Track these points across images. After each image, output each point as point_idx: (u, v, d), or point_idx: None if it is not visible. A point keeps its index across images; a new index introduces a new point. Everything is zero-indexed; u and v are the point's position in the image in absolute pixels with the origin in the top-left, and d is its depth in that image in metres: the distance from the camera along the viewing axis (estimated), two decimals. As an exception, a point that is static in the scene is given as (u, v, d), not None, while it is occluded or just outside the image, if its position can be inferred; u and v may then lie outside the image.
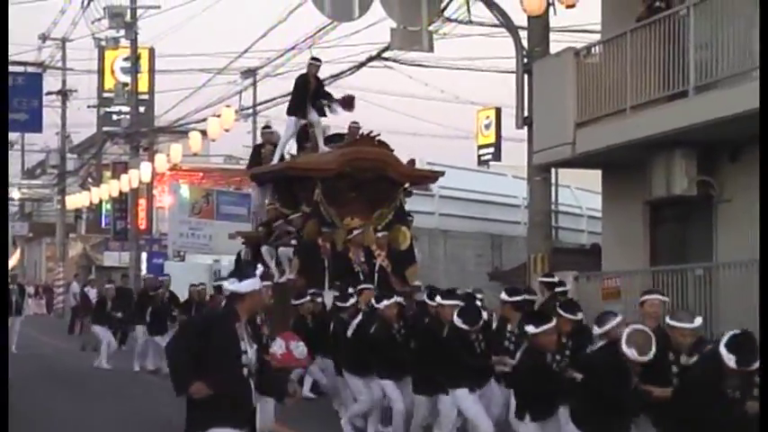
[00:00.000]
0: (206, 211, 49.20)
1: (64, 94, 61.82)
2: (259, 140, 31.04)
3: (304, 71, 25.75)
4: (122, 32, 50.97)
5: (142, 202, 51.07)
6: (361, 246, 23.72)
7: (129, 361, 28.99)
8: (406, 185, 25.90)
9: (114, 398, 23.13)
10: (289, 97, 26.68)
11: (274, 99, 39.21)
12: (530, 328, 12.26)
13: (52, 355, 33.48)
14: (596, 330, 12.33)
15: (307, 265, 23.29)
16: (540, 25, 24.13)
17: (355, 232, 23.83)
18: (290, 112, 25.59)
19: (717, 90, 18.52)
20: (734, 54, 18.22)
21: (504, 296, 15.83)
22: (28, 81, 35.36)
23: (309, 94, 25.05)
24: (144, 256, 50.35)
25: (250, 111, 47.74)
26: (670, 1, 20.74)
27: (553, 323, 12.42)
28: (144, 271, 47.17)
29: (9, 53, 32.34)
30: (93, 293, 38.11)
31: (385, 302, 16.38)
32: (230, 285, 9.89)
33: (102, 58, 55.27)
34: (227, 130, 39.65)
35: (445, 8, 26.19)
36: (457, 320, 14.52)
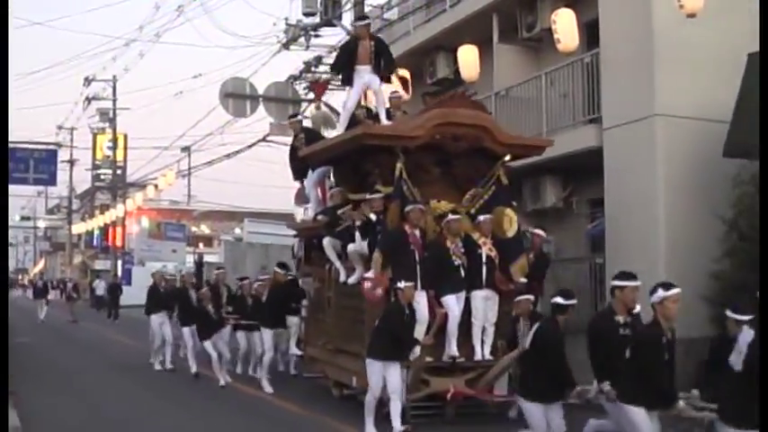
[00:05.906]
0: (157, 235, 48.80)
1: (71, 162, 62.08)
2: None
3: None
4: (107, 124, 51.99)
5: (119, 229, 50.65)
6: (458, 235, 11.52)
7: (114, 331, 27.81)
8: (506, 158, 12.23)
9: (99, 349, 21.53)
10: (205, 167, 25.55)
11: (198, 166, 39.11)
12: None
13: (65, 325, 32.55)
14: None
15: (393, 260, 11.05)
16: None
17: (450, 217, 11.53)
18: (333, 69, 15.10)
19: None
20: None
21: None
22: (48, 154, 34.72)
23: (365, 56, 12.94)
24: (119, 263, 49.64)
25: (185, 173, 47.67)
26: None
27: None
28: (119, 273, 46.62)
29: (35, 136, 31.64)
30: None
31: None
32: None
33: (94, 140, 56.55)
34: (170, 185, 39.81)
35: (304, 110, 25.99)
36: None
